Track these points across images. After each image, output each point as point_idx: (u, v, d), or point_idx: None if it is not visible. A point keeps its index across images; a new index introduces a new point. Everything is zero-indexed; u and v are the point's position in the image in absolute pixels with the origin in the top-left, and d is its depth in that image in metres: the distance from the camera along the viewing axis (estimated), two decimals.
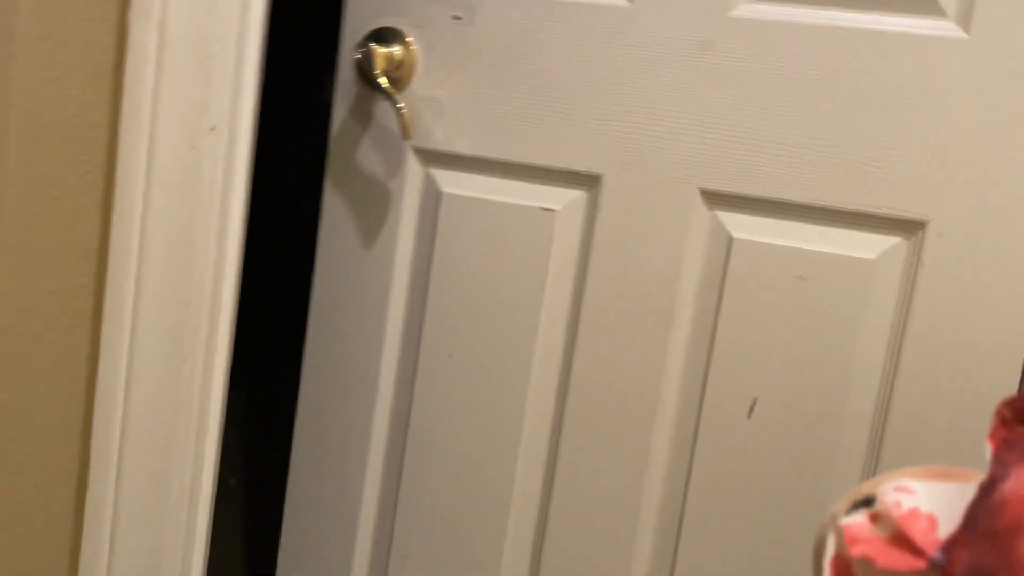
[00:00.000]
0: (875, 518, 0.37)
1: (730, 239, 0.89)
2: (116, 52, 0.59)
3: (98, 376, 0.66)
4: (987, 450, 0.36)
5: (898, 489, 0.36)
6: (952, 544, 0.33)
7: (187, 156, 0.60)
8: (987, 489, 0.33)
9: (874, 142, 0.83)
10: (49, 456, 0.68)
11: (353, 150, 0.99)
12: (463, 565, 1.00)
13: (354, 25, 0.97)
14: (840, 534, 0.37)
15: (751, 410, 0.89)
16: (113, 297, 0.63)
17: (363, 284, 1.00)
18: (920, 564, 0.34)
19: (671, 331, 0.91)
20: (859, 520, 0.37)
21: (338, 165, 1.00)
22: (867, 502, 0.38)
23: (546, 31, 0.91)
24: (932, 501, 0.35)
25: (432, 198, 0.97)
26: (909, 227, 0.84)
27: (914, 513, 0.35)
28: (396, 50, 0.94)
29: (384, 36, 0.95)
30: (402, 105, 0.90)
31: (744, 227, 0.89)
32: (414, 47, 0.95)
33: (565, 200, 0.93)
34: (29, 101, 0.57)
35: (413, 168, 0.97)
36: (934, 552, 0.34)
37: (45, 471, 0.69)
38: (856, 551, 0.36)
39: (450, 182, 0.96)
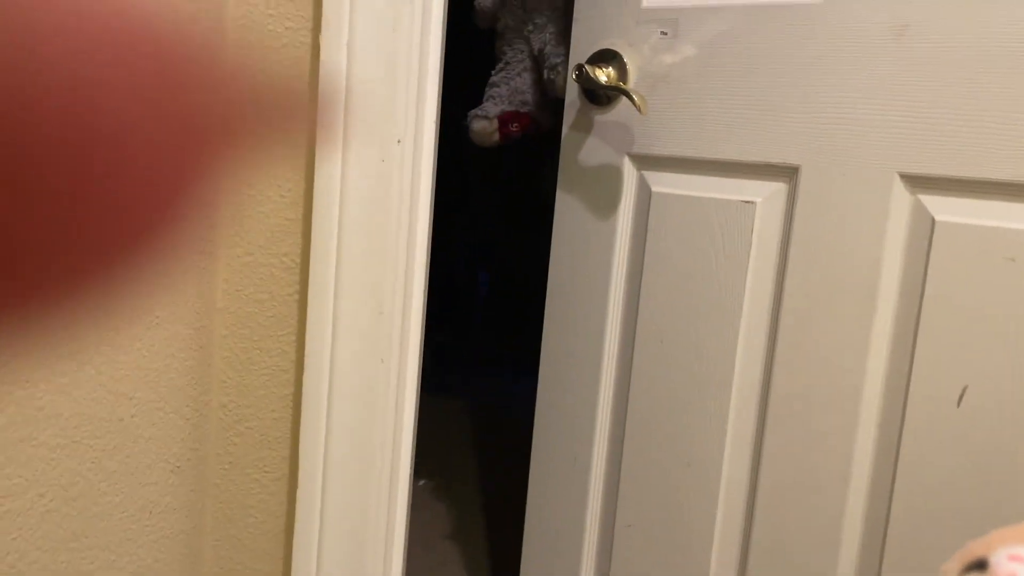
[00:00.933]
0: None
1: (933, 222, 0.87)
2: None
3: (304, 379, 0.75)
4: None
5: (1012, 558, 0.33)
6: None
7: (377, 169, 0.76)
8: None
9: None
10: (265, 452, 0.78)
11: (577, 158, 1.13)
12: (680, 534, 1.08)
13: (577, 52, 1.11)
14: None
15: (960, 398, 0.86)
16: (315, 303, 0.74)
17: (589, 276, 1.13)
18: None
19: (874, 317, 0.91)
20: None
21: (567, 172, 1.14)
22: (979, 566, 0.34)
23: (743, 36, 0.97)
24: None
25: (644, 197, 1.07)
26: None
27: None
28: (612, 69, 1.07)
29: (603, 57, 1.08)
30: (632, 91, 1.02)
31: (947, 209, 0.86)
32: (627, 63, 1.06)
33: (765, 192, 0.98)
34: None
35: (628, 171, 1.09)
36: None
37: (259, 467, 0.79)
38: None
39: (659, 182, 1.06)
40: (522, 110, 1.17)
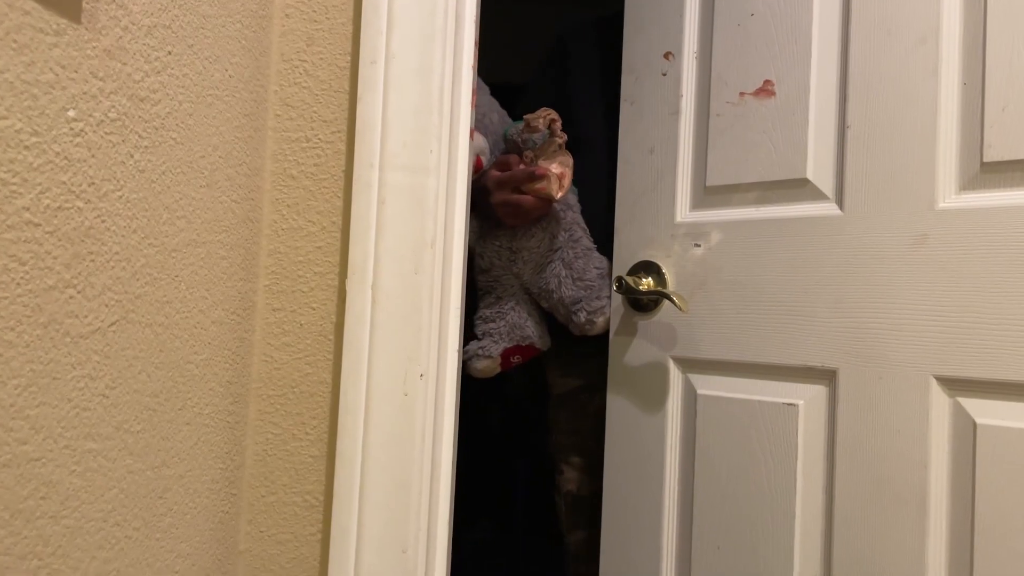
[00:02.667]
0: None
1: (975, 425, 0.87)
2: (337, 315, 0.78)
3: None
4: None
5: None
6: None
7: (401, 402, 0.77)
8: None
9: None
10: None
11: (623, 361, 1.17)
12: None
13: (620, 262, 1.19)
14: None
15: None
16: (337, 547, 0.76)
17: (643, 481, 1.14)
18: None
19: (928, 524, 0.89)
20: None
21: (615, 374, 1.19)
22: None
23: (771, 245, 1.03)
24: None
25: (691, 399, 1.10)
26: None
27: None
28: (650, 279, 1.13)
29: (642, 268, 1.15)
30: (672, 292, 1.08)
31: (988, 412, 0.86)
32: (665, 273, 1.13)
33: (807, 395, 1.00)
34: (266, 366, 0.79)
35: (674, 373, 1.12)
36: None
37: None
38: None
39: (704, 384, 1.09)
40: (523, 344, 1.24)
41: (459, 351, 0.82)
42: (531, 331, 1.24)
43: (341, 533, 0.77)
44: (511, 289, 1.26)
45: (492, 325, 1.23)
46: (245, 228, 0.75)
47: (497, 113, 1.30)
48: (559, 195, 1.12)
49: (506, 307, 1.23)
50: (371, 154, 0.77)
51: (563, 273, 1.20)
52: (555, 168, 1.12)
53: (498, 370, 1.21)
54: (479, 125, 1.24)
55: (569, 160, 1.14)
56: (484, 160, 1.19)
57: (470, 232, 1.34)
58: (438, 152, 0.78)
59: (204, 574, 0.71)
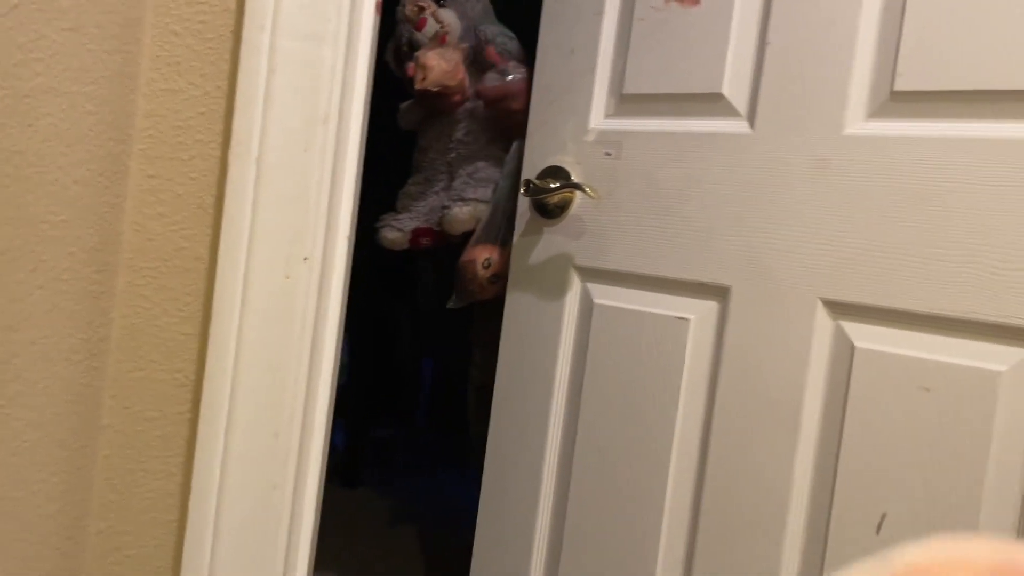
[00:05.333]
0: None
1: (853, 348, 0.89)
2: (217, 188, 0.73)
3: (189, 506, 0.73)
4: None
5: None
6: None
7: (281, 285, 0.73)
8: None
9: (1002, 250, 0.81)
10: None
11: (527, 264, 1.16)
12: None
13: (530, 166, 1.16)
14: None
15: (879, 526, 0.87)
16: (206, 427, 0.73)
17: (533, 382, 1.15)
18: None
19: (798, 440, 0.92)
20: None
21: (516, 276, 1.18)
22: None
23: (679, 159, 1.02)
24: None
25: (587, 307, 1.10)
26: None
27: None
28: (559, 184, 1.11)
29: (552, 173, 1.13)
30: (584, 184, 1.06)
31: (867, 336, 0.89)
32: (574, 179, 1.11)
33: (699, 310, 1.01)
34: (137, 235, 0.73)
35: (574, 281, 1.12)
36: None
37: None
38: None
39: (601, 294, 1.09)
40: (436, 228, 1.22)
41: (350, 238, 0.79)
42: None
43: (211, 413, 0.74)
44: (440, 174, 1.23)
45: (413, 202, 1.21)
46: (118, 84, 0.69)
47: (482, 4, 1.26)
48: (420, 85, 1.11)
49: (432, 189, 1.21)
50: (263, 15, 0.71)
51: (470, 170, 1.18)
52: (423, 59, 1.11)
53: (406, 246, 1.19)
54: (456, 4, 1.21)
55: (449, 54, 1.12)
56: (449, 39, 1.17)
57: (414, 113, 1.32)
58: (337, 21, 0.72)
59: (58, 445, 0.68)
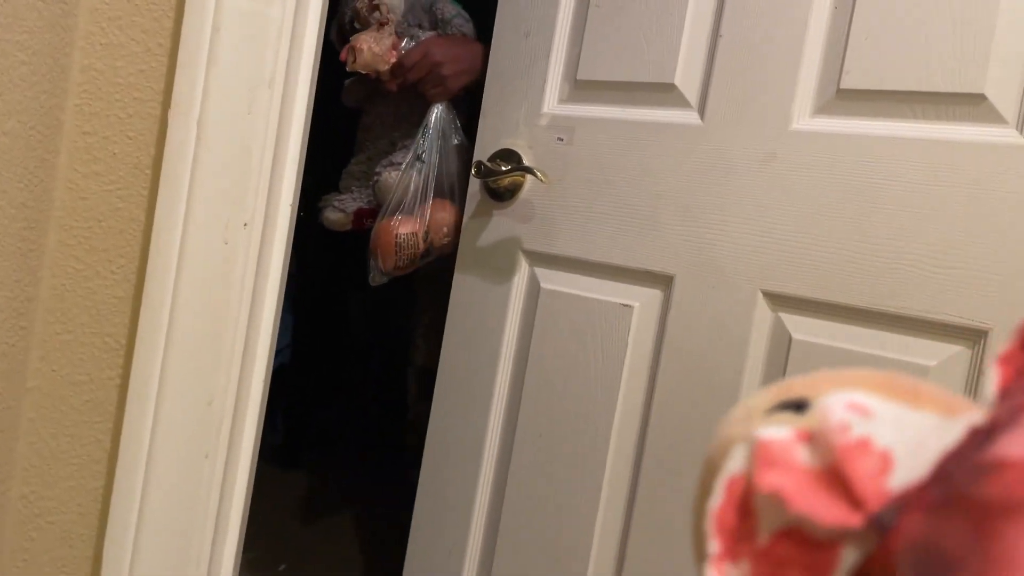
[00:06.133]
0: (807, 437, 0.25)
1: (790, 340, 0.91)
2: (156, 148, 0.71)
3: (116, 474, 0.71)
4: (991, 380, 0.23)
5: (851, 407, 0.25)
6: (907, 503, 0.22)
7: (219, 250, 0.71)
8: (980, 436, 0.21)
9: (933, 248, 0.83)
10: (66, 551, 0.72)
11: (475, 246, 1.16)
12: None
13: (482, 148, 1.16)
14: (753, 448, 0.26)
15: None
16: (136, 393, 0.70)
17: (477, 364, 1.15)
18: (853, 521, 0.22)
19: None
20: (783, 436, 0.26)
21: (464, 258, 1.17)
22: (797, 406, 0.27)
23: (630, 148, 1.02)
24: (895, 433, 0.24)
25: (534, 291, 1.10)
26: (970, 335, 0.81)
27: (863, 445, 0.24)
28: (511, 167, 1.11)
29: (503, 155, 1.13)
30: (535, 167, 1.06)
31: (804, 329, 0.91)
32: (526, 163, 1.11)
33: (643, 298, 1.02)
34: (70, 193, 0.71)
35: (521, 265, 1.12)
36: (878, 507, 0.22)
37: (59, 566, 0.72)
38: (767, 481, 0.24)
39: (548, 279, 1.09)
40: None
41: (293, 205, 0.78)
42: None
43: (141, 379, 0.72)
44: (384, 154, 1.22)
45: (356, 182, 1.19)
46: (53, 35, 0.67)
47: None
48: (351, 67, 1.13)
49: (375, 169, 1.20)
50: None
51: (409, 143, 1.18)
52: (354, 42, 1.13)
53: (349, 227, 1.18)
54: None
55: (384, 39, 1.14)
56: (394, 17, 1.16)
57: (359, 91, 1.30)
58: None
59: None
